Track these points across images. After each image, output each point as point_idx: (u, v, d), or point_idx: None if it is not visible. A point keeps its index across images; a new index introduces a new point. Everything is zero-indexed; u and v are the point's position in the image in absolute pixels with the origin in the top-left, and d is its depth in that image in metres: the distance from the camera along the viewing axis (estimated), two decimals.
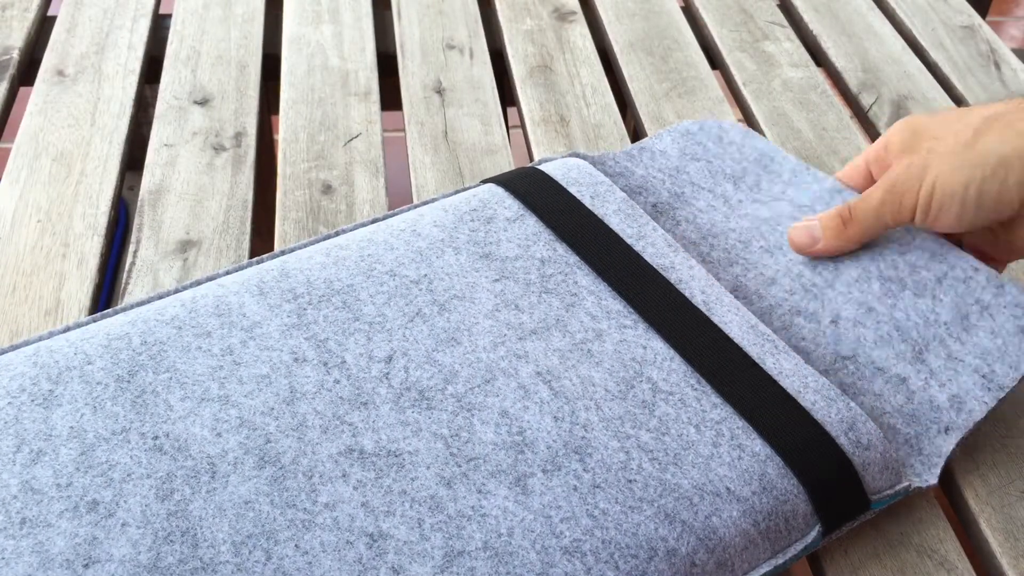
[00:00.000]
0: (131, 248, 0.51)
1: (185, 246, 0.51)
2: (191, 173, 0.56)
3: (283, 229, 0.52)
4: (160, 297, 0.43)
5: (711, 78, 0.66)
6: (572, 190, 0.48)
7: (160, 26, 0.69)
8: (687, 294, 0.43)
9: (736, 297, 0.46)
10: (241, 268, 0.45)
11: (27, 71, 0.65)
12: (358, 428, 0.37)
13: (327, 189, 0.55)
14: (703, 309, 0.43)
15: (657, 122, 0.61)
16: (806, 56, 0.69)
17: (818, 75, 0.67)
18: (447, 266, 0.44)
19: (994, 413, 0.44)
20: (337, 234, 0.46)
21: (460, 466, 0.36)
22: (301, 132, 0.59)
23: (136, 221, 0.52)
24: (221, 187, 0.55)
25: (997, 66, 0.68)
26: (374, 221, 0.47)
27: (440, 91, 0.63)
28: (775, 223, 0.50)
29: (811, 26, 0.72)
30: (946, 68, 0.68)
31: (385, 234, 0.45)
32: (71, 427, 0.37)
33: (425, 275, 0.43)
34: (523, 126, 0.61)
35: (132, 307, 0.43)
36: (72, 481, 0.36)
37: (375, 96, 0.62)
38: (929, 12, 0.74)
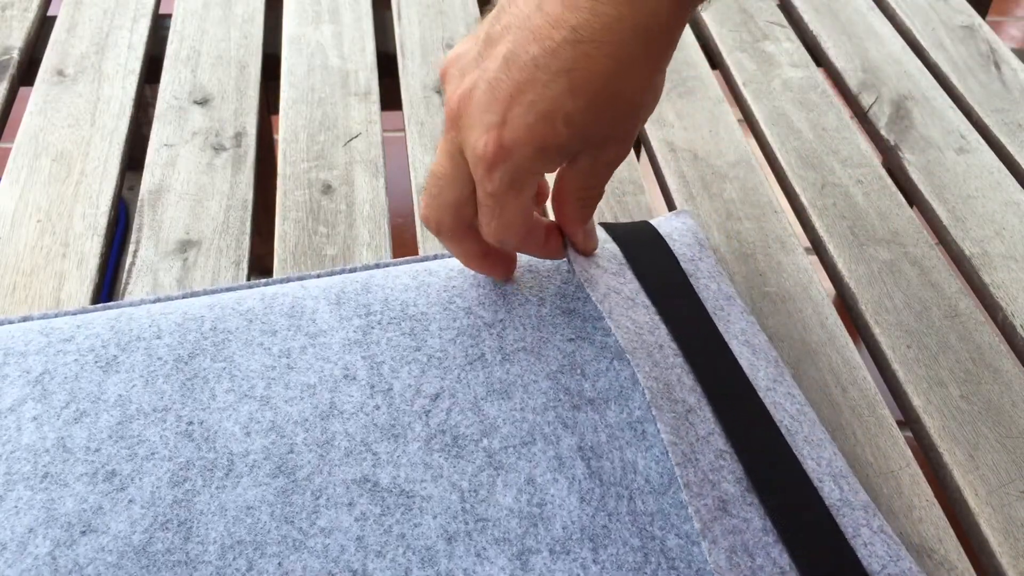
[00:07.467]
0: (131, 248, 0.51)
1: (185, 246, 0.51)
2: (191, 173, 0.56)
3: (283, 229, 0.52)
4: (258, 286, 0.43)
5: (711, 78, 0.66)
6: (674, 249, 0.44)
7: (160, 26, 0.69)
8: (752, 382, 0.39)
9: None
10: (333, 273, 0.44)
11: (27, 71, 0.65)
12: (381, 459, 0.36)
13: (327, 189, 0.55)
14: (768, 406, 0.38)
15: (657, 122, 0.61)
16: (806, 56, 0.69)
17: (818, 75, 0.67)
18: (526, 315, 0.41)
19: (994, 413, 0.44)
20: (436, 257, 0.45)
21: (467, 524, 0.35)
22: (301, 132, 0.59)
23: (136, 221, 0.52)
24: (221, 187, 0.55)
25: (997, 66, 0.68)
26: None
27: (440, 91, 0.63)
28: None
29: (811, 26, 0.72)
30: (946, 68, 0.68)
31: None
32: (119, 395, 0.38)
33: (501, 319, 0.41)
34: None
35: (230, 289, 0.43)
36: (101, 447, 0.36)
37: (375, 96, 0.62)
38: (929, 12, 0.74)
